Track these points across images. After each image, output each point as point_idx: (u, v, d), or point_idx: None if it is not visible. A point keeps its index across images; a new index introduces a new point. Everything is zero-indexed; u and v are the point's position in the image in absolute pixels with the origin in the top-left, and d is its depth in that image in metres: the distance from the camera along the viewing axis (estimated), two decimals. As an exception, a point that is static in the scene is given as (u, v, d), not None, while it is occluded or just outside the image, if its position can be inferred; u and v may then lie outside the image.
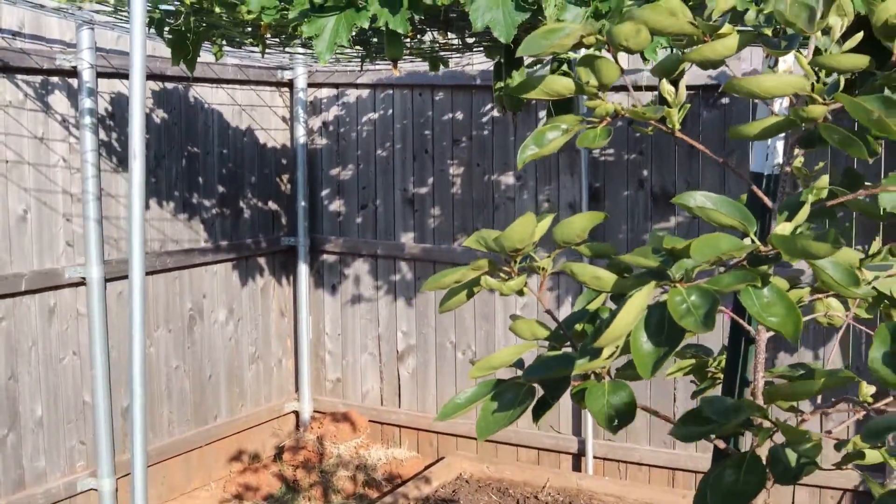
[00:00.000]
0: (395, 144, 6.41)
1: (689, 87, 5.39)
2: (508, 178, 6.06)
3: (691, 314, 1.50)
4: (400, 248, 6.39)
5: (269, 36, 4.56)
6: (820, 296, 2.27)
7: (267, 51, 5.05)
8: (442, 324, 6.31)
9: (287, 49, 5.43)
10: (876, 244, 2.39)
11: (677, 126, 1.90)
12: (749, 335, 2.08)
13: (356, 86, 6.50)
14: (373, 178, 6.49)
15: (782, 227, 1.60)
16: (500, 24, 3.69)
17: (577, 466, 5.99)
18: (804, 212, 1.65)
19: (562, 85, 1.88)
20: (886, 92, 2.05)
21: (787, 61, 2.17)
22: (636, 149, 5.70)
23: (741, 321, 2.07)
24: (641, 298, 1.52)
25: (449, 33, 4.63)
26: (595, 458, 5.90)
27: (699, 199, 1.63)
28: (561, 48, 1.77)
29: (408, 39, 4.64)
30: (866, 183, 4.75)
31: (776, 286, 1.56)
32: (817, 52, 1.98)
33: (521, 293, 1.95)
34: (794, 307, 1.53)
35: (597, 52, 1.91)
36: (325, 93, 6.63)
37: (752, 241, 1.56)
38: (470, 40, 4.66)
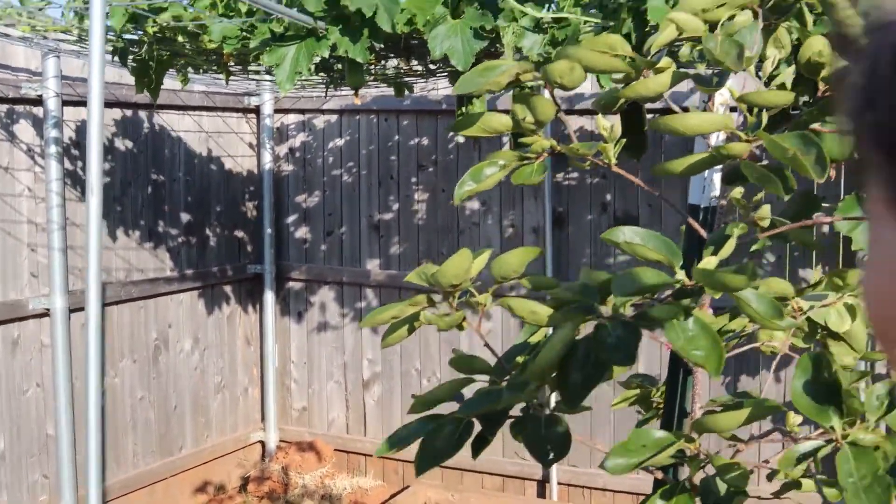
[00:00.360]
0: (360, 170, 6.43)
1: (650, 111, 5.43)
2: (473, 204, 6.09)
3: (619, 349, 1.52)
4: (366, 274, 6.40)
5: (232, 64, 4.58)
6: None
7: (232, 78, 5.08)
8: (407, 350, 6.31)
9: (252, 76, 5.46)
10: (817, 273, 2.43)
11: (613, 161, 1.93)
12: (687, 366, 2.11)
13: (323, 111, 6.52)
14: (339, 204, 6.51)
15: (706, 262, 1.62)
16: (458, 53, 3.73)
17: (541, 493, 6.00)
18: (730, 245, 1.68)
19: (500, 122, 1.90)
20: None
21: (723, 94, 2.21)
22: (599, 173, 5.74)
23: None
24: (567, 333, 1.54)
25: (412, 59, 4.67)
26: (559, 483, 5.91)
27: (627, 235, 1.65)
28: (496, 86, 1.79)
29: (372, 66, 4.67)
30: (824, 205, 4.79)
31: (701, 320, 1.59)
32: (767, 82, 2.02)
33: (460, 328, 1.97)
34: (719, 341, 1.55)
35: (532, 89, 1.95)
36: (291, 119, 6.65)
37: (677, 276, 1.59)
38: (433, 66, 4.70)
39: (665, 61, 1.91)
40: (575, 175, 5.81)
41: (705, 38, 1.75)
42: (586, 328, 1.73)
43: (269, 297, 6.65)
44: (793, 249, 5.51)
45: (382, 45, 4.23)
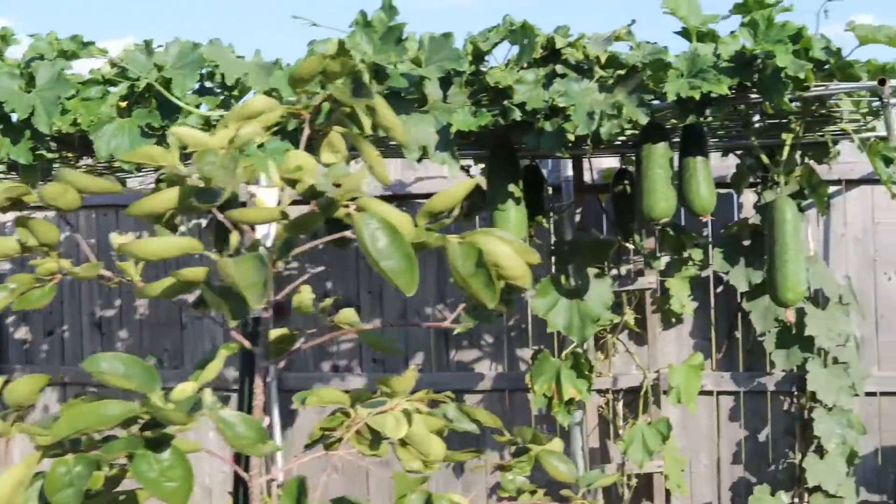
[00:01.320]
0: (81, 267, 6.24)
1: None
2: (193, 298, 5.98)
3: (72, 485, 1.47)
4: (88, 374, 6.17)
5: None
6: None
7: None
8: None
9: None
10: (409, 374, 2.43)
11: (137, 278, 1.90)
12: (243, 480, 2.08)
13: (41, 208, 6.30)
14: (58, 303, 6.29)
15: (180, 389, 1.60)
16: (125, 151, 3.68)
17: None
18: (215, 366, 1.66)
19: (9, 247, 1.85)
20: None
21: (271, 198, 2.20)
22: (319, 260, 5.73)
23: (237, 468, 2.06)
24: (21, 470, 1.48)
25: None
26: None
27: (108, 364, 1.62)
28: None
29: (70, 163, 4.56)
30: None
31: (179, 450, 1.55)
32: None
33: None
34: (190, 473, 1.52)
35: (31, 214, 1.91)
36: (9, 216, 6.42)
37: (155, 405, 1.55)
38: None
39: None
40: (295, 265, 5.79)
41: (197, 156, 1.74)
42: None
43: (-12, 402, 6.33)
44: (510, 330, 5.61)
45: (57, 144, 4.15)
